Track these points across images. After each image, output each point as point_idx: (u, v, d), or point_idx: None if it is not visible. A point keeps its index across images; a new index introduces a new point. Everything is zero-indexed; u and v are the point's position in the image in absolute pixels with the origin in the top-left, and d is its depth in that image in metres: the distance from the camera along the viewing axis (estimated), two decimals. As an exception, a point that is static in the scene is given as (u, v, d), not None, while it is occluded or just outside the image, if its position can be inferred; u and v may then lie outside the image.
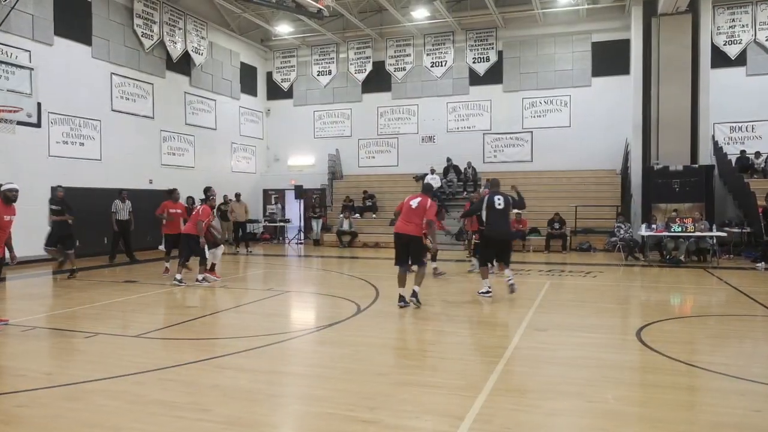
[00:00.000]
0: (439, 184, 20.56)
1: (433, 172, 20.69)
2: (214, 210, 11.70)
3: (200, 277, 10.52)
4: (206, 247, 10.54)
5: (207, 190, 11.40)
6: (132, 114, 17.55)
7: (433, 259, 11.58)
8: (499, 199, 8.93)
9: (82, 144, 15.81)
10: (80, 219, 14.69)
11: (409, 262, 8.16)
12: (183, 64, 19.67)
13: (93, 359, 5.54)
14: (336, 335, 6.63)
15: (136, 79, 17.65)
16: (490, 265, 9.42)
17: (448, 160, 21.10)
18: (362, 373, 5.03)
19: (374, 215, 20.79)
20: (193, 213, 10.88)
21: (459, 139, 21.79)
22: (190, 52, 19.75)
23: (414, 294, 8.08)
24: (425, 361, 5.56)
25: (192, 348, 6.00)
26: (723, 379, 4.98)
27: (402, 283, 8.16)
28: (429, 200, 8.32)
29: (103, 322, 7.25)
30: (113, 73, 16.84)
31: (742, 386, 4.79)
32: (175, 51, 19.09)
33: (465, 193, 19.95)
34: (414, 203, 8.28)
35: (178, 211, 12.23)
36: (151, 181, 17.90)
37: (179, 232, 11.20)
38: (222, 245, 11.56)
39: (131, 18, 17.37)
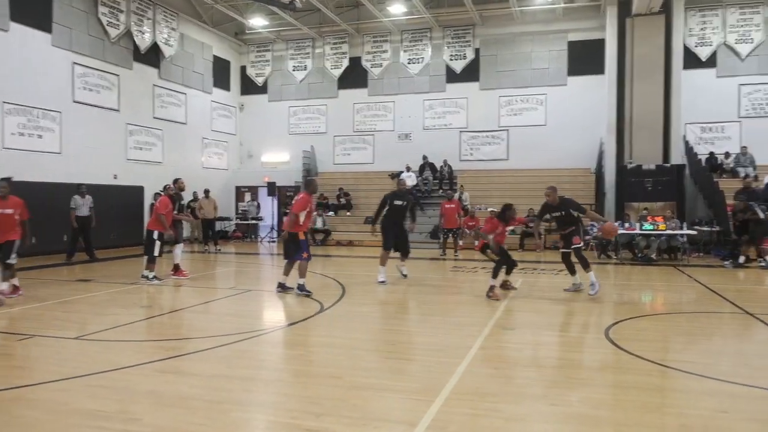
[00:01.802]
0: (414, 182, 20.35)
1: (409, 169, 20.48)
2: (179, 203, 11.26)
3: (150, 274, 10.05)
4: (158, 243, 10.03)
5: (174, 182, 10.99)
6: (96, 106, 16.95)
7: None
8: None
9: (40, 136, 15.19)
10: (38, 215, 14.11)
11: None
12: (152, 56, 19.11)
13: (21, 364, 5.15)
14: (292, 336, 6.33)
15: (100, 70, 17.06)
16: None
17: (424, 157, 20.89)
18: (313, 376, 4.74)
19: (349, 213, 20.50)
20: (154, 207, 10.47)
21: (435, 137, 21.60)
22: (160, 44, 19.20)
23: (299, 286, 8.77)
24: (384, 363, 5.28)
25: (133, 351, 5.61)
26: (690, 378, 4.82)
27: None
28: (300, 195, 9.14)
29: (43, 323, 6.82)
30: (75, 63, 16.23)
31: (710, 386, 4.63)
32: (144, 42, 18.54)
33: (441, 191, 19.76)
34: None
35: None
36: (115, 176, 17.34)
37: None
38: (181, 243, 11.12)
39: (96, 5, 16.77)
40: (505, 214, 9.01)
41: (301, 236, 8.79)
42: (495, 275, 8.72)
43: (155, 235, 10.02)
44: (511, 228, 9.33)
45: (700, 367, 5.07)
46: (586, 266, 8.80)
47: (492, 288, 8.65)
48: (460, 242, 16.21)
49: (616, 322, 6.98)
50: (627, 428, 3.75)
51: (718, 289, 9.72)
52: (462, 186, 19.52)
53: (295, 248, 8.82)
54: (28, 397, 4.24)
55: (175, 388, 4.36)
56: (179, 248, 10.91)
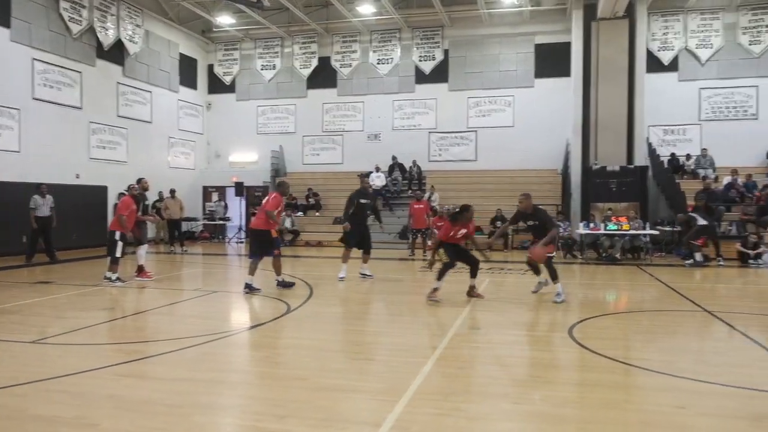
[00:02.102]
0: (384, 183, 20.38)
1: (378, 170, 20.49)
2: (143, 203, 11.03)
3: (113, 276, 9.84)
4: (119, 244, 9.81)
5: (138, 181, 10.75)
6: (57, 103, 16.51)
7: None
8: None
9: (-2, 134, 14.75)
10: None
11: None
12: (116, 53, 18.71)
13: (-26, 369, 4.98)
14: (258, 338, 6.26)
15: (62, 67, 16.62)
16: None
17: (394, 158, 20.94)
18: (279, 378, 4.70)
19: (318, 214, 20.41)
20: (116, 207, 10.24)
21: (404, 138, 21.66)
22: (124, 41, 18.81)
23: (279, 282, 9.31)
24: (350, 363, 5.27)
25: (94, 355, 5.47)
26: (650, 375, 4.93)
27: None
28: (272, 194, 9.32)
29: (0, 327, 6.60)
30: (35, 59, 15.78)
31: (669, 382, 4.73)
32: (107, 38, 18.13)
33: (410, 191, 19.83)
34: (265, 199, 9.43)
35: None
36: (78, 176, 16.92)
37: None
38: (146, 244, 10.90)
39: (56, 0, 16.34)
40: (458, 216, 8.52)
41: (274, 234, 9.09)
42: (440, 277, 8.40)
43: (117, 236, 9.81)
44: (463, 231, 8.57)
45: (660, 365, 5.20)
46: (554, 278, 8.47)
47: (434, 290, 8.36)
48: (429, 243, 16.26)
49: (580, 321, 7.10)
50: (589, 425, 3.81)
51: (678, 287, 9.97)
52: (433, 187, 19.63)
53: (268, 246, 9.06)
54: (-18, 403, 4.10)
55: (136, 393, 4.27)
56: (143, 249, 10.69)
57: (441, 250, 8.78)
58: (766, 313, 7.93)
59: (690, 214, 14.01)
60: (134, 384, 4.49)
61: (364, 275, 10.96)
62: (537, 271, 9.14)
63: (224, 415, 3.92)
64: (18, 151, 15.24)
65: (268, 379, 4.71)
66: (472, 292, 8.71)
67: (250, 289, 8.97)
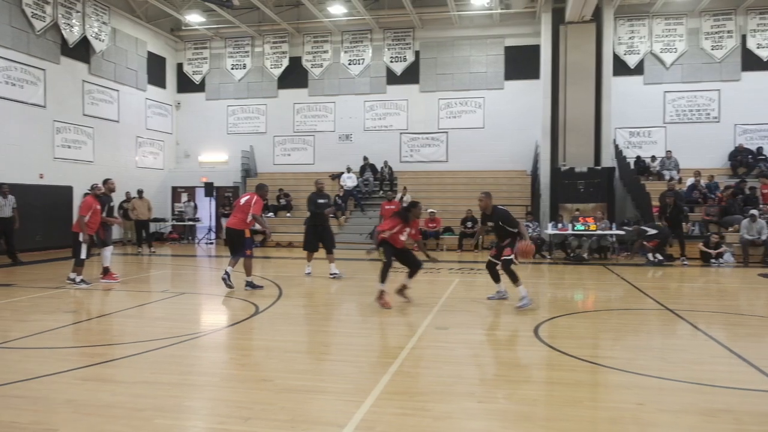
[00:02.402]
0: (355, 183, 20.38)
1: (349, 170, 20.49)
2: (108, 205, 10.81)
3: (77, 278, 9.68)
4: (84, 246, 9.65)
5: (104, 182, 10.55)
6: (19, 101, 16.08)
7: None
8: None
9: (-43, 133, 14.33)
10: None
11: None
12: (81, 51, 18.32)
13: (-67, 375, 4.84)
14: (225, 339, 6.22)
15: (24, 64, 16.19)
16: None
17: (365, 158, 20.95)
18: (244, 380, 4.67)
19: (289, 214, 20.30)
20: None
21: (376, 138, 21.69)
22: (90, 38, 18.43)
23: (248, 283, 9.55)
24: (316, 365, 5.27)
25: (55, 359, 5.36)
26: (612, 373, 5.05)
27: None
28: (255, 196, 9.40)
29: (-43, 331, 6.43)
30: (-3, 56, 15.40)
31: (630, 379, 4.85)
32: (72, 36, 17.75)
33: (381, 192, 19.87)
34: (242, 200, 9.48)
35: None
36: (41, 176, 16.53)
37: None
38: (111, 245, 10.69)
39: (19, -4, 15.96)
40: (409, 212, 8.13)
41: (248, 234, 9.35)
42: (382, 279, 7.86)
43: (81, 237, 9.63)
44: (407, 230, 8.07)
45: (622, 362, 5.33)
46: (514, 281, 7.97)
47: (381, 294, 7.85)
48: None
49: (546, 320, 7.22)
50: (551, 423, 3.89)
51: (642, 287, 10.22)
52: (405, 188, 19.71)
53: (240, 246, 9.32)
54: (-61, 410, 3.98)
55: (96, 396, 4.20)
56: (108, 251, 10.49)
57: (381, 249, 8.02)
58: (726, 311, 8.18)
59: (641, 227, 14.39)
60: (95, 388, 4.42)
61: (333, 275, 10.97)
62: (496, 279, 8.55)
63: (188, 417, 3.88)
64: (-22, 150, 14.84)
65: (233, 381, 4.69)
66: (402, 292, 8.21)
67: (252, 287, 9.39)
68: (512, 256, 8.02)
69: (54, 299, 8.70)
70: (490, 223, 8.38)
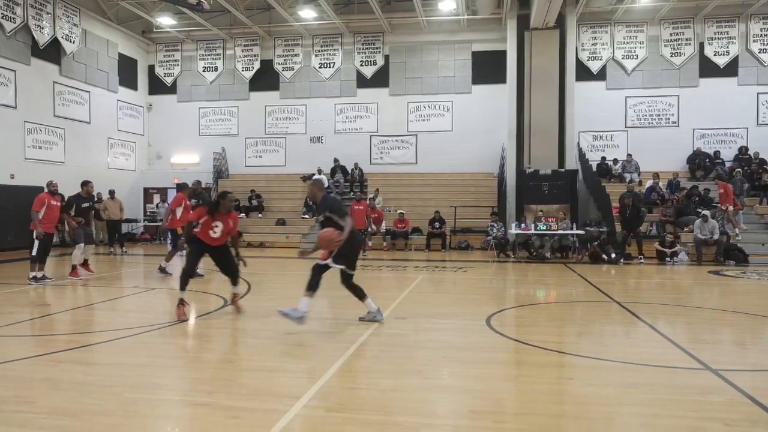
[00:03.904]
0: (326, 185, 20.66)
1: (320, 172, 20.81)
2: (83, 206, 11.03)
3: (31, 274, 9.93)
4: (36, 242, 9.92)
5: (83, 184, 11.02)
6: (-11, 102, 16.17)
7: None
8: None
9: (-73, 133, 14.33)
10: None
11: None
12: (52, 52, 18.38)
13: None
14: (193, 328, 6.55)
15: (-5, 65, 16.28)
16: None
17: (336, 160, 21.33)
18: (209, 361, 5.04)
19: (260, 215, 20.56)
20: None
21: (346, 140, 22.09)
22: (60, 39, 18.50)
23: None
24: (278, 348, 5.63)
25: (30, 345, 5.69)
26: (550, 354, 5.51)
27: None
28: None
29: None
30: (-33, 57, 15.43)
31: (566, 360, 5.34)
32: (42, 37, 17.80)
33: (352, 193, 20.26)
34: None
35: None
36: (12, 176, 16.55)
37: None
38: (81, 244, 10.88)
39: (-11, -2, 16.02)
40: (218, 204, 7.04)
41: (179, 231, 10.50)
42: (182, 287, 6.93)
43: (35, 234, 9.87)
44: (219, 225, 7.02)
45: (562, 346, 5.84)
46: (309, 288, 6.38)
47: (180, 302, 6.92)
48: (369, 243, 16.73)
49: (499, 311, 7.69)
50: (484, 394, 4.34)
51: (597, 282, 10.75)
52: (377, 189, 20.14)
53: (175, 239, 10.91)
54: None
55: (71, 376, 4.54)
56: (78, 249, 10.71)
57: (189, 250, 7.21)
58: (671, 303, 8.74)
59: (600, 230, 15.15)
60: (69, 369, 4.75)
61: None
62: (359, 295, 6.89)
63: (155, 392, 4.23)
64: (-53, 151, 14.85)
65: (199, 362, 5.05)
66: (234, 302, 7.47)
67: (163, 272, 11.07)
68: (328, 261, 6.47)
69: (26, 294, 8.92)
70: (320, 216, 6.71)
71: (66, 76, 19.06)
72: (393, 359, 5.24)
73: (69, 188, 12.73)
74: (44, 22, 17.86)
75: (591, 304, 8.65)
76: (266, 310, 7.68)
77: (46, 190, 10.33)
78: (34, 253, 9.92)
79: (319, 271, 6.41)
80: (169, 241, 12.06)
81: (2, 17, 16.35)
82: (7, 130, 16.69)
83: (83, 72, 19.81)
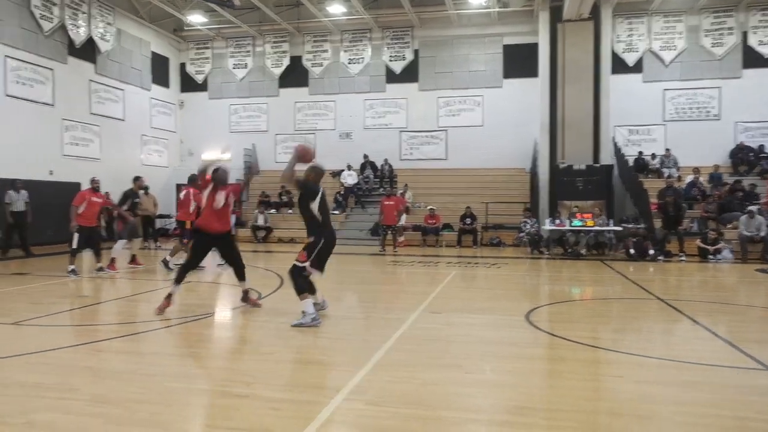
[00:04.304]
0: (355, 181, 20.68)
1: (349, 168, 20.78)
2: (133, 200, 11.48)
3: (69, 267, 10.13)
4: (75, 236, 10.19)
5: (135, 179, 11.74)
6: (29, 100, 16.49)
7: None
8: None
9: (-30, 131, 14.73)
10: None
11: None
12: (88, 51, 18.70)
13: (-42, 347, 5.20)
14: (228, 320, 6.54)
15: (34, 64, 16.60)
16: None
17: (365, 156, 21.25)
18: (247, 353, 5.01)
19: (290, 211, 20.57)
20: None
21: (376, 136, 21.99)
22: (95, 39, 18.81)
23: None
24: (315, 341, 5.58)
25: (71, 334, 5.76)
26: (595, 351, 5.33)
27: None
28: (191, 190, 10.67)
29: (-22, 312, 6.80)
30: (8, 56, 15.76)
31: (611, 357, 5.15)
32: (79, 36, 18.13)
33: (381, 189, 20.18)
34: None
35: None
36: (51, 172, 16.91)
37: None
38: (124, 240, 11.20)
39: (28, -2, 16.36)
40: (217, 174, 6.89)
41: (188, 225, 10.54)
42: (177, 280, 6.71)
43: (70, 227, 10.17)
44: (222, 197, 6.76)
45: (606, 342, 5.65)
46: (301, 292, 6.07)
47: (169, 296, 6.62)
48: (400, 239, 16.63)
49: (538, 307, 7.51)
50: (528, 389, 4.20)
51: (637, 279, 10.44)
52: (406, 185, 20.03)
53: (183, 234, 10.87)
54: (-32, 373, 4.37)
55: (111, 365, 4.56)
56: (120, 244, 11.03)
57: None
58: (716, 301, 8.42)
59: (638, 226, 14.78)
60: (110, 358, 4.79)
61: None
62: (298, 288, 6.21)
63: (194, 382, 4.22)
64: (-9, 147, 15.24)
65: (237, 353, 5.02)
66: (246, 298, 7.15)
67: (166, 266, 10.87)
68: (306, 264, 6.14)
69: (65, 286, 9.09)
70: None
71: (101, 75, 19.39)
72: (431, 353, 5.13)
73: (105, 184, 12.90)
74: (80, 22, 18.18)
75: (633, 301, 8.39)
76: (299, 302, 7.65)
77: (88, 186, 10.64)
78: (74, 246, 10.15)
79: (299, 273, 6.14)
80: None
81: (40, 17, 16.69)
82: (45, 128, 17.05)
83: (117, 70, 20.14)
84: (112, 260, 10.83)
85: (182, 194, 10.97)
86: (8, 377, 4.24)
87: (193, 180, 10.93)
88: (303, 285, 6.10)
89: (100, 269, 10.44)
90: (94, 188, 10.51)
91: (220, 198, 6.79)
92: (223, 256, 7.26)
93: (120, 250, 11.06)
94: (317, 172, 6.56)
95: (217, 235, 6.83)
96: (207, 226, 6.76)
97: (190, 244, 10.27)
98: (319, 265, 6.24)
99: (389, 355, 4.99)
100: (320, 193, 6.35)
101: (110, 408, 3.63)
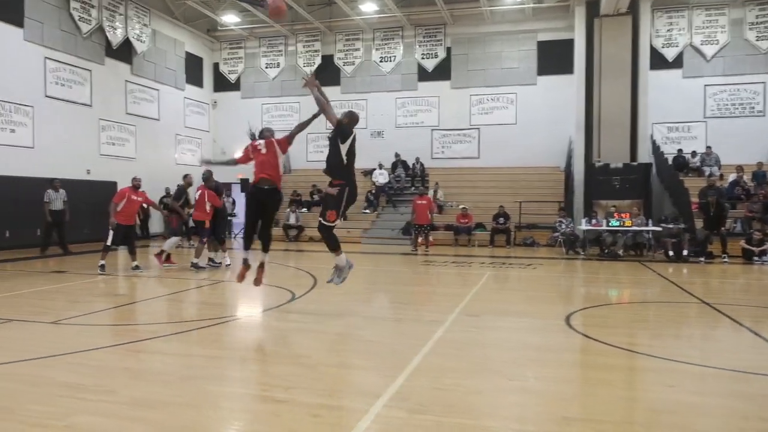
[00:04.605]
0: (387, 180, 20.58)
1: (381, 167, 20.69)
2: (185, 197, 11.80)
3: (100, 262, 10.37)
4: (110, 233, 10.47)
5: (184, 177, 12.02)
6: (68, 101, 16.86)
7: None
8: None
9: (13, 131, 15.08)
10: (11, 209, 14.15)
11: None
12: (124, 52, 19.02)
13: (1, 345, 5.24)
14: (263, 321, 6.50)
15: (72, 65, 16.95)
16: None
17: (397, 155, 21.13)
18: (284, 356, 4.93)
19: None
20: None
21: (407, 135, 21.85)
22: (132, 40, 19.12)
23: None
24: (351, 344, 5.49)
25: (109, 333, 5.79)
26: (642, 358, 5.11)
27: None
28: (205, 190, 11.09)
29: (19, 309, 6.92)
30: (47, 58, 16.13)
31: (660, 365, 4.90)
32: (116, 37, 18.45)
33: (413, 188, 20.04)
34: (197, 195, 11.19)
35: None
36: (88, 171, 17.25)
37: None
38: (177, 238, 11.62)
39: (67, 1, 16.67)
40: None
41: (207, 225, 11.02)
42: (246, 247, 6.99)
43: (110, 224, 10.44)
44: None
45: (653, 349, 5.38)
46: (335, 249, 6.51)
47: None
48: (431, 239, 16.46)
49: (578, 310, 7.29)
50: (576, 399, 4.01)
51: (679, 282, 10.10)
52: (437, 183, 19.86)
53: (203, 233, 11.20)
54: (11, 372, 4.40)
55: (149, 366, 4.55)
56: (175, 239, 11.47)
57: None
58: (764, 305, 8.07)
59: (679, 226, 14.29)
60: (147, 359, 4.78)
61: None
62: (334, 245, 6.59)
63: (232, 385, 4.16)
64: (32, 147, 15.60)
65: (274, 356, 4.95)
66: (259, 274, 6.97)
67: (196, 267, 10.89)
68: (337, 223, 6.45)
69: (102, 284, 9.19)
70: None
71: (137, 75, 19.69)
72: (471, 358, 4.98)
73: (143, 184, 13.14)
74: (117, 23, 18.49)
75: (678, 305, 8.07)
76: (335, 306, 7.60)
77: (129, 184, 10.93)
78: (109, 243, 10.41)
79: (330, 230, 6.42)
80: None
81: (79, 19, 17.03)
82: (83, 128, 17.39)
83: (153, 71, 20.43)
84: (168, 256, 11.25)
85: (197, 194, 11.13)
86: (50, 377, 4.25)
87: (206, 179, 11.24)
88: (336, 241, 6.42)
89: (136, 267, 10.57)
90: (135, 186, 10.77)
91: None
92: (261, 217, 6.99)
93: (173, 245, 11.38)
94: (351, 117, 6.68)
95: (265, 190, 6.66)
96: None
97: (208, 242, 10.53)
98: (342, 215, 6.50)
99: (428, 359, 4.86)
100: (352, 136, 6.48)
101: (150, 412, 3.59)
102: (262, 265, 6.86)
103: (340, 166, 6.42)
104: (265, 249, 6.96)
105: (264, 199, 6.73)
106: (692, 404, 3.90)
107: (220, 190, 11.63)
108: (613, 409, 3.81)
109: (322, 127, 22.77)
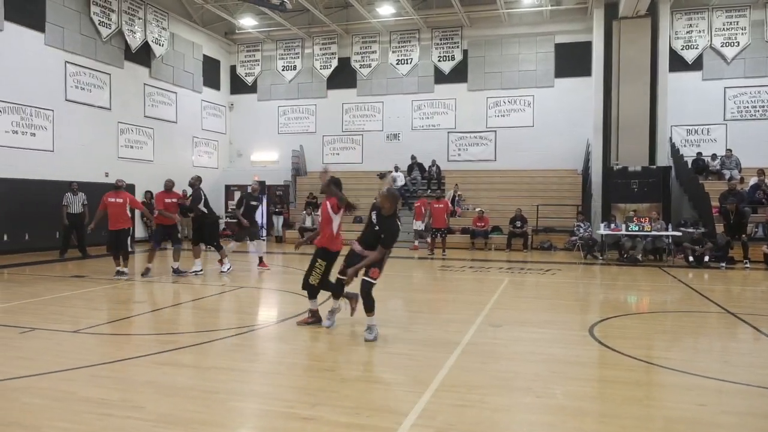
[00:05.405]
0: (403, 182, 20.51)
1: (397, 169, 20.64)
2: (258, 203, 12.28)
3: (117, 268, 10.67)
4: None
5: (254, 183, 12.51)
6: (87, 104, 17.03)
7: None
8: None
9: (33, 134, 15.25)
10: (30, 212, 14.30)
11: None
12: (142, 55, 19.16)
13: (24, 355, 5.26)
14: (286, 331, 6.46)
15: (92, 69, 17.11)
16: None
17: (413, 158, 21.08)
18: (308, 368, 4.90)
19: (338, 212, 20.58)
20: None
21: (424, 137, 21.78)
22: (150, 43, 19.25)
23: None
24: (375, 357, 5.43)
25: (131, 344, 5.77)
26: (671, 373, 5.00)
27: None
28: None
29: (42, 317, 6.95)
30: (68, 62, 16.29)
31: (690, 381, 4.79)
32: (135, 41, 18.58)
33: (429, 191, 19.97)
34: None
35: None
36: (107, 174, 17.36)
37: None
38: (235, 242, 12.39)
39: (88, 5, 16.83)
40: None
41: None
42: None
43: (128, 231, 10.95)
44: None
45: (681, 364, 5.26)
46: (370, 309, 6.00)
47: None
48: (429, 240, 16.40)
49: (601, 320, 7.18)
50: (608, 419, 3.92)
51: (700, 289, 9.94)
52: (456, 185, 19.77)
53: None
54: (35, 386, 4.38)
55: (173, 379, 4.51)
56: (232, 245, 12.09)
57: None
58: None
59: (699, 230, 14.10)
60: (171, 371, 4.74)
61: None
62: (339, 291, 6.58)
63: (257, 401, 4.12)
64: (51, 151, 15.77)
65: (297, 369, 4.91)
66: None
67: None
68: (376, 280, 6.12)
69: (122, 290, 9.22)
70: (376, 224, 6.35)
71: (155, 78, 19.83)
72: (497, 373, 4.91)
73: (156, 186, 13.27)
74: (136, 27, 18.63)
75: (701, 314, 7.93)
76: (355, 314, 7.56)
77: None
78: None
79: (370, 289, 6.02)
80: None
81: (99, 24, 17.18)
82: (102, 131, 17.55)
83: (171, 74, 20.55)
84: (261, 259, 11.96)
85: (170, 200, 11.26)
86: (75, 391, 4.23)
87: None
88: (374, 302, 6.00)
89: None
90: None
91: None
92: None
93: (263, 247, 12.04)
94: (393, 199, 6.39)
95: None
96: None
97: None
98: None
99: (453, 374, 4.79)
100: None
101: (177, 430, 3.56)
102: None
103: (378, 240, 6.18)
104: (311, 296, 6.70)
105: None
106: (726, 426, 3.80)
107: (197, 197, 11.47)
108: (644, 431, 3.72)
109: (339, 129, 22.86)
